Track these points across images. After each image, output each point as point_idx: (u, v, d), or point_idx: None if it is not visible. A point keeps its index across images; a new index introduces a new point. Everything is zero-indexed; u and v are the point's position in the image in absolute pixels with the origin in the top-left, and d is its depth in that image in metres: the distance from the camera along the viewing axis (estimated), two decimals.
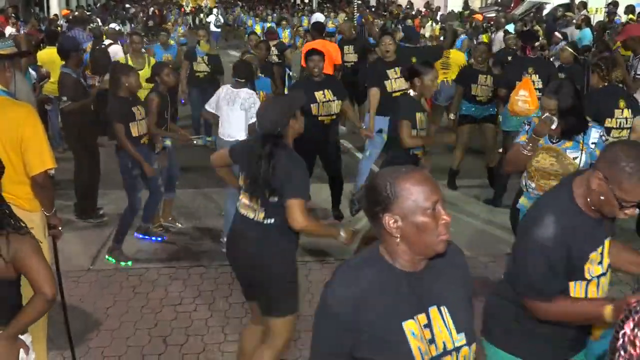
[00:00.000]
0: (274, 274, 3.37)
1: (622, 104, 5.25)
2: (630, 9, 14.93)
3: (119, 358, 4.18)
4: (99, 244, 5.97)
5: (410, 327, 1.86)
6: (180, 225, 6.39)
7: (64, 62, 6.43)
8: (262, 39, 10.09)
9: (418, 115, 4.93)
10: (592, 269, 2.42)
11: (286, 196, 3.23)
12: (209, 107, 6.02)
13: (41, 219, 3.54)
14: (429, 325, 1.89)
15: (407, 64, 6.27)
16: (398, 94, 6.51)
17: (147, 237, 6.01)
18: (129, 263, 5.53)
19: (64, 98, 6.29)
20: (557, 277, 2.36)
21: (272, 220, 3.34)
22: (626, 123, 5.26)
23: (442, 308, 1.92)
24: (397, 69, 6.77)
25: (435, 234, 1.83)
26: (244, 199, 3.44)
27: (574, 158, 3.91)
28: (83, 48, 7.48)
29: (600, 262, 2.45)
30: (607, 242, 2.46)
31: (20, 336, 2.68)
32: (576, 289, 2.42)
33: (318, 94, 5.95)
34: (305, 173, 3.44)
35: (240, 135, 5.67)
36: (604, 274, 2.48)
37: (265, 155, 3.26)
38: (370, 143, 6.84)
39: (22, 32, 12.67)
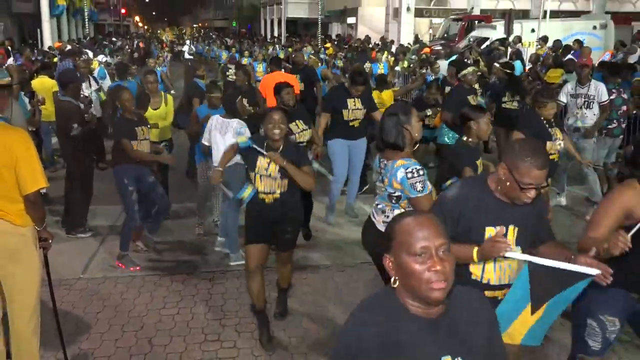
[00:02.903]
0: None
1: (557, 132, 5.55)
2: (558, 44, 15.34)
3: (108, 358, 4.12)
4: (89, 255, 5.89)
5: None
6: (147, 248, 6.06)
7: (60, 91, 6.39)
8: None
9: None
10: None
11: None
12: (206, 141, 5.77)
13: (32, 232, 3.47)
14: None
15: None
16: (356, 122, 6.48)
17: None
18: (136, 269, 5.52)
19: (75, 125, 6.16)
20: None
21: None
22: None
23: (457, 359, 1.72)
24: (357, 99, 6.46)
25: (423, 280, 1.64)
26: None
27: None
28: (79, 79, 7.39)
29: None
30: (512, 228, 2.57)
31: None
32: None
33: (292, 126, 5.56)
34: None
35: (233, 161, 5.58)
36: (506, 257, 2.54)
37: None
38: (335, 166, 6.74)
39: (17, 63, 12.48)
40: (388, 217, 3.58)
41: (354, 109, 6.45)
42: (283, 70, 10.17)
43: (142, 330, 4.48)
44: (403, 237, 1.68)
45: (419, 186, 3.34)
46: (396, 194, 3.49)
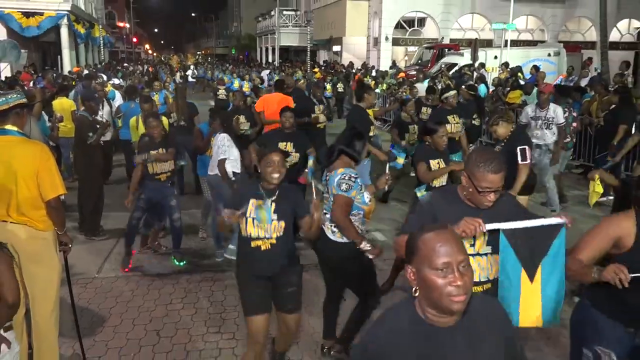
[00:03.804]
0: None
1: None
2: (518, 69, 15.50)
3: (120, 349, 4.07)
4: (103, 256, 5.85)
5: None
6: (165, 248, 6.02)
7: (77, 109, 6.46)
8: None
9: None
10: (473, 244, 2.50)
11: None
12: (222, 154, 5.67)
13: (53, 236, 3.45)
14: None
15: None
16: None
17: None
18: (181, 263, 5.57)
19: (90, 134, 6.28)
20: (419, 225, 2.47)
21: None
22: None
23: None
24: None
25: (444, 293, 1.57)
26: None
27: None
28: (96, 98, 7.51)
29: (473, 245, 2.50)
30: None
31: (3, 333, 2.58)
32: None
33: (281, 144, 5.47)
34: None
35: (214, 171, 5.58)
36: (476, 255, 2.50)
37: None
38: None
39: (39, 86, 12.40)
40: (336, 228, 3.57)
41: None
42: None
43: (150, 324, 4.44)
44: (426, 251, 1.60)
45: (343, 186, 3.44)
46: None
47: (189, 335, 4.27)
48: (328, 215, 3.60)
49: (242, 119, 7.69)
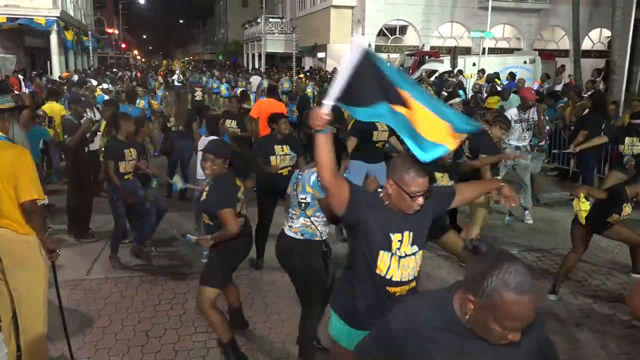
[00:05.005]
0: None
1: None
2: (495, 75, 15.65)
3: (109, 350, 4.01)
4: (92, 258, 5.76)
5: None
6: (155, 250, 5.93)
7: (68, 112, 6.40)
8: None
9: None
10: (399, 248, 2.42)
11: None
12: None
13: (36, 240, 3.34)
14: None
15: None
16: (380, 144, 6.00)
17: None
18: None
19: (66, 136, 6.27)
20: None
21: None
22: None
23: None
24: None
25: (499, 337, 1.54)
26: None
27: None
28: (83, 102, 7.35)
29: (398, 248, 2.42)
30: (406, 234, 2.43)
31: None
32: (384, 257, 2.41)
33: (277, 148, 5.33)
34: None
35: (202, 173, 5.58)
36: (405, 257, 2.44)
37: None
38: None
39: (28, 91, 12.24)
40: (294, 224, 3.48)
41: (381, 131, 6.15)
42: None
43: (139, 325, 4.38)
44: (503, 312, 1.48)
45: None
46: (306, 199, 3.43)
47: (177, 335, 4.22)
48: (290, 214, 3.53)
49: (233, 124, 7.63)
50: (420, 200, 2.33)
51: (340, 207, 2.37)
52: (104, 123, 6.96)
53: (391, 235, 2.40)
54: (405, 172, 2.31)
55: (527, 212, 7.21)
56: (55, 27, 23.23)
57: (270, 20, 39.71)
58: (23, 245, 3.29)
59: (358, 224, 2.42)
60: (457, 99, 7.41)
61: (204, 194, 3.73)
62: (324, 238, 3.53)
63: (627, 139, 6.86)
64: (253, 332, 4.21)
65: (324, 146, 2.29)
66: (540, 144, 7.79)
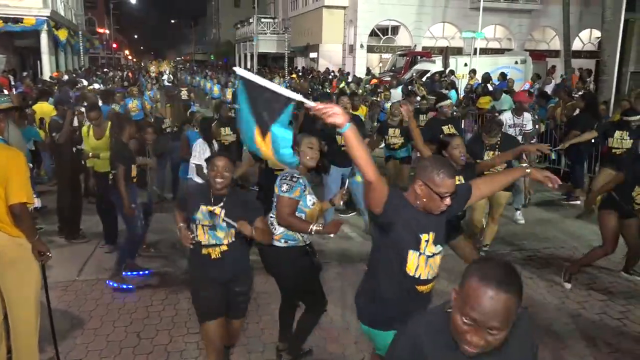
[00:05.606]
0: None
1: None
2: (486, 76, 15.71)
3: (100, 351, 3.99)
4: (83, 259, 5.72)
5: None
6: (152, 250, 5.94)
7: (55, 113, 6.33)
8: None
9: None
10: (426, 247, 2.48)
11: None
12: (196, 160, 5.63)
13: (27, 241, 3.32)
14: None
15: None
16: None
17: (136, 272, 5.26)
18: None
19: (54, 134, 6.24)
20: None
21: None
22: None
23: None
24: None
25: (462, 338, 1.54)
26: None
27: None
28: (70, 102, 7.29)
29: (426, 247, 2.48)
30: (431, 234, 2.48)
31: None
32: (413, 257, 2.47)
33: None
34: None
35: (193, 175, 5.59)
36: (432, 256, 2.51)
37: None
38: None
39: (17, 91, 12.14)
40: (275, 230, 3.38)
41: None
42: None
43: (131, 326, 4.36)
44: (465, 298, 1.50)
45: (284, 186, 3.24)
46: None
47: (169, 336, 4.21)
48: (271, 219, 3.41)
49: (227, 130, 7.42)
50: (448, 200, 2.40)
51: (379, 205, 2.38)
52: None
53: (420, 235, 2.46)
54: (436, 173, 2.37)
55: (518, 212, 7.26)
56: (45, 26, 23.05)
57: (263, 20, 39.62)
58: (15, 247, 3.26)
59: (392, 223, 2.44)
60: (448, 101, 7.26)
61: (222, 212, 3.13)
62: (307, 242, 3.48)
63: (617, 132, 6.88)
64: (245, 334, 4.20)
65: (354, 143, 2.16)
66: (533, 142, 7.86)
